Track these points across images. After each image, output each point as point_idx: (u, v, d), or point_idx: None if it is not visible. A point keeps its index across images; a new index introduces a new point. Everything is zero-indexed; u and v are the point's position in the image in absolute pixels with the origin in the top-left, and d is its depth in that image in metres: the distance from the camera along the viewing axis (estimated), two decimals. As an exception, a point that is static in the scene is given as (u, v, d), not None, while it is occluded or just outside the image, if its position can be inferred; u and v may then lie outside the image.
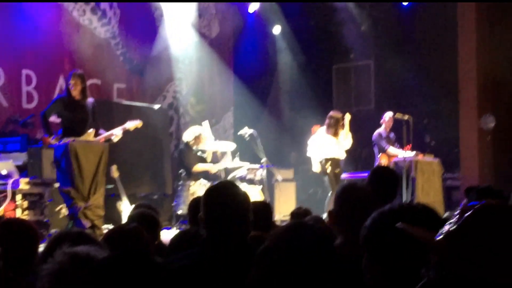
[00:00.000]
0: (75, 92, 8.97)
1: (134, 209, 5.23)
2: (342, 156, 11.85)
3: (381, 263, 2.04)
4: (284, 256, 2.40)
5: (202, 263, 3.24)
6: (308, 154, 12.06)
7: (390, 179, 4.93)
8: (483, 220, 1.77)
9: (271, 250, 2.54)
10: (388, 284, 2.02)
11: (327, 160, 11.68)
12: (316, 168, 11.97)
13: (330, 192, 11.68)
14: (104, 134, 9.32)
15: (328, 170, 11.66)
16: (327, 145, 11.68)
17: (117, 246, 3.35)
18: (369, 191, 3.51)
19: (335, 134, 11.76)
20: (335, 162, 11.76)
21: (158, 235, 4.74)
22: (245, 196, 3.42)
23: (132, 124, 9.75)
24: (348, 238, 3.21)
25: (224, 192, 3.38)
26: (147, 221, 4.36)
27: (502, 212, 1.79)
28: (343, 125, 11.86)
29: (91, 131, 9.08)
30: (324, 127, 11.86)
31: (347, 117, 11.90)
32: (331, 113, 12.11)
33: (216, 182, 3.78)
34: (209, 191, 3.47)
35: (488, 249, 1.70)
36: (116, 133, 9.43)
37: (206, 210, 3.35)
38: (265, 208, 5.22)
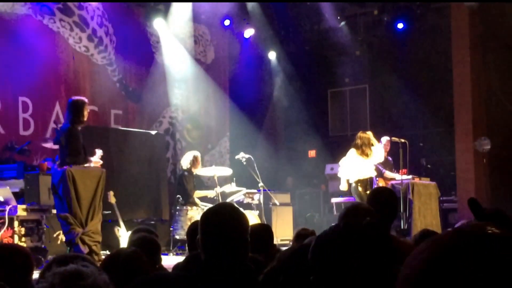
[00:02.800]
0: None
1: (134, 233, 5.20)
2: (373, 174, 11.66)
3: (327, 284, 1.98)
4: (291, 278, 2.42)
5: (200, 286, 3.21)
6: (339, 175, 11.99)
7: (389, 199, 4.93)
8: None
9: (279, 271, 2.56)
10: None
11: (358, 181, 11.55)
12: (343, 186, 11.89)
13: None
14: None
15: (360, 190, 11.53)
16: (357, 166, 11.57)
17: (116, 270, 3.35)
18: (373, 212, 3.51)
19: (364, 153, 11.61)
20: (365, 182, 11.61)
21: (159, 259, 4.72)
22: (243, 218, 3.33)
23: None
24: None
25: (221, 214, 3.30)
26: (147, 245, 4.35)
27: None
28: (371, 145, 11.70)
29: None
30: (354, 149, 11.71)
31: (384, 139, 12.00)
32: (359, 133, 11.97)
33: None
34: (206, 214, 3.39)
35: None
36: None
37: (203, 233, 3.28)
38: (266, 231, 5.22)
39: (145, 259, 3.49)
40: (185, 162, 12.00)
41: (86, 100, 9.10)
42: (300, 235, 5.82)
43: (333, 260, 1.94)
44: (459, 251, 1.30)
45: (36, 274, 3.88)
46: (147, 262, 3.55)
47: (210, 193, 12.10)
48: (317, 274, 1.95)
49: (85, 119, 8.99)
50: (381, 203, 4.73)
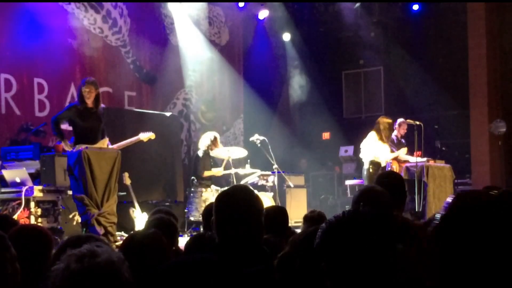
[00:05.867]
0: (89, 100, 8.92)
1: (152, 214, 5.22)
2: (387, 159, 11.67)
3: (335, 272, 2.03)
4: (305, 263, 2.41)
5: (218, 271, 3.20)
6: (361, 155, 11.98)
7: (396, 183, 4.90)
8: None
9: (294, 256, 2.56)
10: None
11: (371, 163, 11.54)
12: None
13: None
14: (120, 144, 9.33)
15: (371, 173, 11.50)
16: (374, 149, 11.56)
17: (136, 251, 3.36)
18: (387, 194, 3.49)
19: (382, 138, 11.62)
20: (378, 166, 11.59)
21: (176, 241, 4.72)
22: (257, 200, 3.36)
23: (146, 136, 9.73)
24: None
25: (235, 196, 3.34)
26: (165, 227, 4.35)
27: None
28: (391, 131, 11.74)
29: (105, 139, 9.09)
30: (374, 132, 11.71)
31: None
32: (381, 118, 12.01)
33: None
34: (220, 195, 3.43)
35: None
36: (130, 143, 9.47)
37: (217, 215, 3.32)
38: (281, 213, 5.23)
39: (164, 240, 3.50)
40: (203, 142, 11.94)
41: (89, 79, 9.06)
42: (307, 218, 5.82)
43: (339, 249, 2.00)
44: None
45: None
46: (167, 244, 3.56)
47: (219, 172, 12.06)
48: (326, 261, 2.01)
49: (84, 99, 8.89)
50: (387, 187, 4.71)
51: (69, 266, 2.20)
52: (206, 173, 11.91)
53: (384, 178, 5.08)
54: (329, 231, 2.05)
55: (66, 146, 8.80)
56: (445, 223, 1.79)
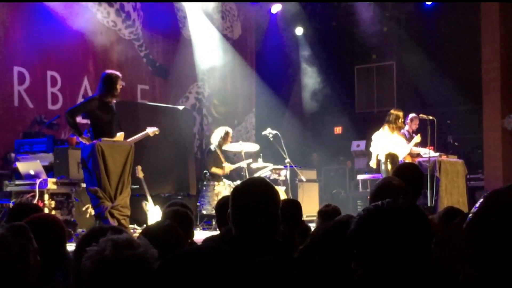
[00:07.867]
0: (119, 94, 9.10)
1: (168, 207, 5.24)
2: (404, 151, 11.74)
3: (368, 261, 2.06)
4: (327, 257, 2.42)
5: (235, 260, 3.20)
6: (370, 149, 12.01)
7: (414, 175, 4.90)
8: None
9: (314, 250, 2.56)
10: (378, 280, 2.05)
11: (387, 156, 11.55)
12: (373, 162, 11.93)
13: None
14: (130, 140, 9.34)
15: (389, 167, 11.50)
16: (388, 142, 11.57)
17: (153, 243, 3.37)
18: (405, 188, 3.49)
19: (394, 130, 11.64)
20: (394, 158, 11.59)
21: (191, 234, 4.72)
22: (274, 193, 3.34)
23: (152, 130, 9.64)
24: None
25: (253, 189, 3.31)
26: (180, 219, 4.34)
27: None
28: (402, 123, 11.77)
29: (121, 134, 9.11)
30: (387, 125, 11.73)
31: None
32: (392, 110, 12.05)
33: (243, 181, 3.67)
34: (238, 187, 3.41)
35: None
36: (139, 138, 9.47)
37: (235, 208, 3.29)
38: (294, 206, 5.24)
39: (180, 232, 3.51)
40: (216, 137, 12.02)
41: (119, 74, 9.14)
42: (322, 212, 5.83)
43: (376, 237, 2.02)
44: None
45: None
46: (183, 236, 3.57)
47: (228, 167, 12.13)
48: (360, 249, 2.03)
49: (118, 93, 9.03)
50: (406, 178, 4.70)
51: (104, 251, 2.22)
52: (214, 170, 11.96)
53: (403, 170, 5.07)
54: (368, 218, 2.08)
55: (83, 139, 8.81)
56: (479, 218, 1.86)
